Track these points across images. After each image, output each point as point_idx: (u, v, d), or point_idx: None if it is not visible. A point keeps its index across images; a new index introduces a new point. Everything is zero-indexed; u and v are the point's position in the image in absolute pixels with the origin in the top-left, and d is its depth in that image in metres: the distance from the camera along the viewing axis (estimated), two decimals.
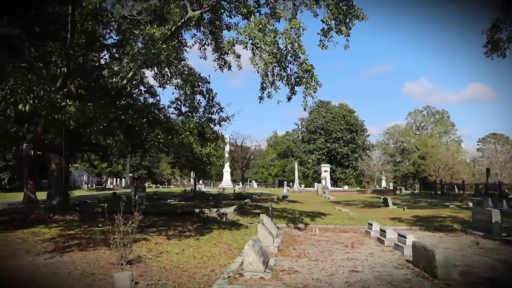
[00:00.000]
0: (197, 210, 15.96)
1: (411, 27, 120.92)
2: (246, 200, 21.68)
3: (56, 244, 8.96)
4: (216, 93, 14.27)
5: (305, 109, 9.55)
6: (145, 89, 14.95)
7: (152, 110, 11.02)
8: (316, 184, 35.65)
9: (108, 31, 10.94)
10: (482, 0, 70.34)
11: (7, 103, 8.31)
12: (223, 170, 56.55)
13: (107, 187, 50.08)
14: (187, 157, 11.40)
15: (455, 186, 33.19)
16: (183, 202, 21.07)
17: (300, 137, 73.19)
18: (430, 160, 66.09)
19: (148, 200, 21.79)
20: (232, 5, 9.90)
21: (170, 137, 10.65)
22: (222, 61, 11.40)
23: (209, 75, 13.16)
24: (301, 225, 13.53)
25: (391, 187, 45.86)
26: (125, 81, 13.12)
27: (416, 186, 51.58)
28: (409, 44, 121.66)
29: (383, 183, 46.31)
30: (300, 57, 9.70)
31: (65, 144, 14.34)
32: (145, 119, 10.33)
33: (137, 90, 13.95)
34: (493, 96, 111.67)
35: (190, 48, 11.48)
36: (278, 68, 10.44)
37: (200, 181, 45.39)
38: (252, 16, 9.57)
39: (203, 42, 11.74)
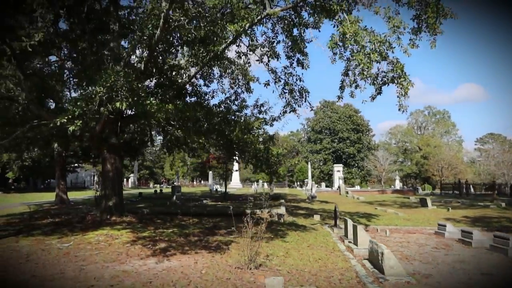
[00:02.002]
0: (248, 211, 15.70)
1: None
2: (281, 201, 21.47)
3: (149, 248, 8.67)
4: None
5: (400, 109, 9.40)
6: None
7: (234, 111, 10.76)
8: (340, 184, 35.55)
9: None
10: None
11: (105, 100, 8.03)
12: (232, 170, 56.26)
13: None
14: (262, 157, 11.16)
15: (471, 185, 33.42)
16: (219, 203, 20.78)
17: (306, 137, 73.18)
18: (433, 160, 66.71)
19: (180, 200, 21.48)
20: (318, 3, 9.67)
21: (246, 136, 10.42)
22: (294, 60, 11.16)
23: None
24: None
25: (397, 187, 46.07)
26: (186, 78, 12.87)
27: (425, 186, 51.79)
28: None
29: (397, 183, 46.44)
30: (389, 56, 9.53)
31: (119, 144, 14.02)
32: (225, 119, 10.10)
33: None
34: (485, 96, 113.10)
35: (262, 46, 11.20)
36: (360, 67, 10.28)
37: (210, 181, 45.00)
38: (343, 14, 9.38)
39: (274, 40, 11.50)
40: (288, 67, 10.09)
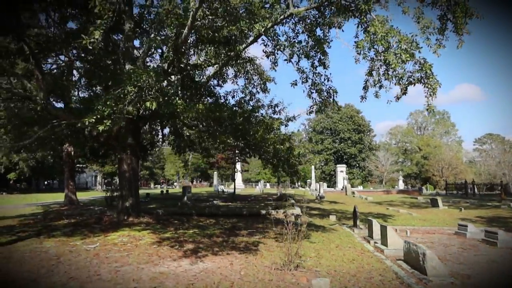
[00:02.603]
0: (263, 212, 15.66)
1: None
2: (291, 201, 21.43)
3: (177, 249, 8.58)
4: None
5: (428, 110, 9.36)
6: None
7: (258, 111, 10.69)
8: (345, 184, 35.55)
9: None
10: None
11: (134, 100, 7.94)
12: (237, 171, 56.15)
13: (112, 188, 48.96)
14: (283, 157, 11.09)
15: (475, 185, 33.51)
16: (229, 203, 20.69)
17: (307, 137, 73.23)
18: (434, 160, 66.95)
19: (191, 201, 21.38)
20: (344, 2, 9.62)
21: (269, 136, 10.35)
22: (316, 59, 11.09)
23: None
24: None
25: (401, 187, 46.06)
26: (204, 78, 12.80)
27: (427, 186, 51.90)
28: None
29: (400, 184, 46.50)
30: (415, 56, 9.49)
31: (136, 144, 13.91)
32: (247, 120, 10.02)
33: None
34: (481, 96, 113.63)
35: (284, 47, 11.12)
36: (385, 67, 10.25)
37: (215, 182, 44.82)
38: (370, 13, 9.35)
39: (294, 40, 11.43)
40: (317, 66, 10.02)
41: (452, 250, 9.42)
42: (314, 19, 11.04)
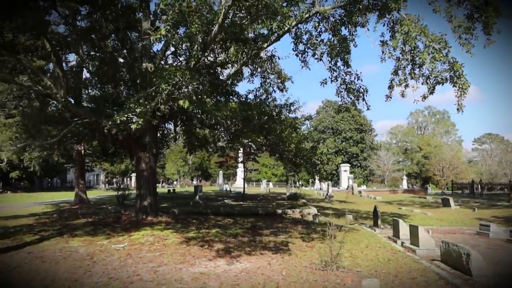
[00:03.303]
0: (279, 211, 15.62)
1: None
2: (302, 200, 21.39)
3: (207, 248, 8.52)
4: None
5: (458, 110, 9.32)
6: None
7: (281, 110, 10.63)
8: (350, 183, 35.58)
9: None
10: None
11: (169, 99, 7.86)
12: (236, 170, 56.05)
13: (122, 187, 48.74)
14: (306, 156, 11.04)
15: (479, 185, 33.65)
16: (240, 202, 20.60)
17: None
18: (434, 160, 67.16)
19: (203, 200, 21.29)
20: (373, 1, 9.57)
21: (295, 135, 10.31)
22: (338, 58, 11.02)
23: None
24: None
25: (405, 187, 46.18)
26: (225, 77, 12.72)
27: (429, 186, 51.99)
28: None
29: (404, 183, 46.59)
30: (448, 55, 9.44)
31: (154, 143, 13.81)
32: (271, 118, 9.96)
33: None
34: (479, 96, 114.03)
35: (316, 45, 11.06)
36: (411, 66, 10.21)
37: (220, 181, 44.78)
38: (398, 12, 9.30)
39: (317, 39, 11.37)
40: (344, 65, 9.95)
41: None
42: (339, 18, 10.96)
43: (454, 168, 67.33)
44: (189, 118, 12.75)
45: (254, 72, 14.95)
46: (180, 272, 6.64)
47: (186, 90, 7.71)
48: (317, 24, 11.29)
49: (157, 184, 65.70)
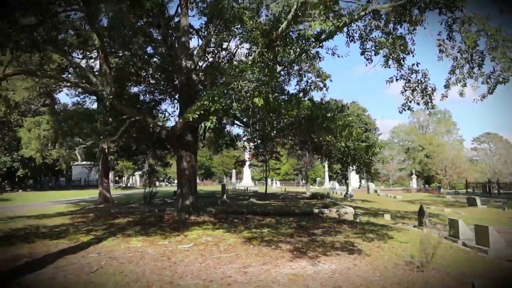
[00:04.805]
0: (315, 210, 15.54)
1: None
2: (326, 200, 21.31)
3: (276, 249, 8.39)
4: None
5: None
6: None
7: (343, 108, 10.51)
8: (362, 183, 35.59)
9: None
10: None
11: (246, 96, 7.70)
12: (243, 168, 55.81)
13: (128, 185, 48.58)
14: (359, 155, 10.96)
15: (497, 185, 33.77)
16: (266, 202, 20.46)
17: None
18: (437, 159, 67.57)
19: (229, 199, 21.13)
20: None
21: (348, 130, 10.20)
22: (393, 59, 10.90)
23: None
24: (441, 226, 13.29)
25: (414, 186, 46.36)
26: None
27: (436, 185, 52.36)
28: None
29: (414, 182, 46.76)
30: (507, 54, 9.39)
31: (195, 141, 13.66)
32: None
33: None
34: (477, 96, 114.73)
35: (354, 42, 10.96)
36: (468, 65, 10.14)
37: (233, 180, 44.47)
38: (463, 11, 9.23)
39: (367, 37, 11.25)
40: (416, 64, 9.84)
41: None
42: (397, 15, 10.83)
43: (457, 167, 67.81)
44: (232, 116, 12.58)
45: (291, 70, 14.84)
46: (270, 273, 6.50)
47: (263, 88, 7.54)
48: (370, 22, 11.18)
49: (160, 183, 65.14)
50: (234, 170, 44.13)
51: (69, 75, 11.32)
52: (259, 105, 7.76)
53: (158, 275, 6.36)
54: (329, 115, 9.07)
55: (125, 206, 18.08)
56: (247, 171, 55.43)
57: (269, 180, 61.67)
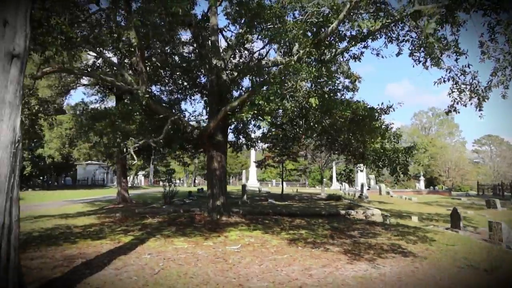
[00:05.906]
0: (342, 212, 15.46)
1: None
2: (344, 201, 21.24)
3: (326, 251, 8.30)
4: None
5: None
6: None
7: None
8: (372, 184, 35.54)
9: None
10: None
11: (302, 97, 7.61)
12: (249, 169, 55.76)
13: (135, 185, 48.37)
14: (397, 158, 10.89)
15: (503, 187, 33.89)
16: (285, 203, 20.36)
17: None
18: (440, 161, 67.70)
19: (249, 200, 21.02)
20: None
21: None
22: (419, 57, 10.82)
23: None
24: (472, 229, 13.26)
25: (422, 187, 46.31)
26: None
27: (442, 187, 52.40)
28: (392, 47, 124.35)
29: (422, 184, 46.78)
30: None
31: (225, 141, 13.56)
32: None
33: None
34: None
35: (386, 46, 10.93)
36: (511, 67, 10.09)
37: (244, 181, 44.29)
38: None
39: (403, 39, 11.17)
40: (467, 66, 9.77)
41: None
42: (440, 17, 10.75)
43: (460, 169, 67.99)
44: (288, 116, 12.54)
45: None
46: (335, 276, 6.40)
47: (318, 87, 7.45)
48: (410, 23, 11.12)
49: (170, 183, 64.91)
50: (244, 171, 44.07)
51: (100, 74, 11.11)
52: (314, 105, 7.68)
53: (224, 277, 6.25)
54: (376, 115, 9.03)
55: (147, 206, 17.93)
56: (253, 172, 55.42)
57: (272, 181, 61.56)
